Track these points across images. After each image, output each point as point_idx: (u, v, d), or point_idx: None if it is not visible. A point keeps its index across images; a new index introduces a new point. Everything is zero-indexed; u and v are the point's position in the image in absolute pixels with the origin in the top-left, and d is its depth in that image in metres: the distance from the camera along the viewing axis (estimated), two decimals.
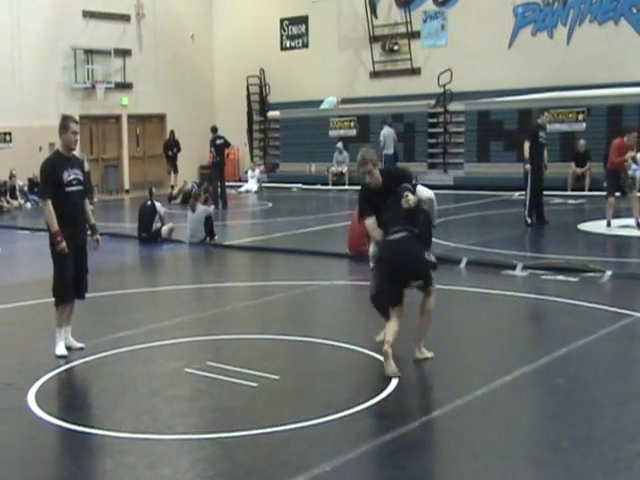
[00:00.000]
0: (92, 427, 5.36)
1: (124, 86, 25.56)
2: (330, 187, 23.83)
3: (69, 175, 6.97)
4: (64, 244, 6.82)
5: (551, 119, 21.08)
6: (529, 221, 14.10)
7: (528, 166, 14.09)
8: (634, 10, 20.92)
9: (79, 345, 7.11)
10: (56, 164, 6.98)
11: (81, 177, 7.13)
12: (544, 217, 14.40)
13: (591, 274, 9.80)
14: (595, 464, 4.65)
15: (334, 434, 5.24)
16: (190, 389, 6.21)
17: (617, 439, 5.01)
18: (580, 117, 20.86)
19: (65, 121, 7.08)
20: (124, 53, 25.52)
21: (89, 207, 7.37)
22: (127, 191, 25.66)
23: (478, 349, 7.39)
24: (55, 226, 6.84)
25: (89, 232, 7.29)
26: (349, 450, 4.86)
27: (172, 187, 22.81)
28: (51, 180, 6.92)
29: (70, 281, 7.01)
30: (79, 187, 7.06)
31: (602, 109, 20.63)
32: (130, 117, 25.97)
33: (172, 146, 24.13)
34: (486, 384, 5.99)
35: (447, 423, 5.36)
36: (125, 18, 25.59)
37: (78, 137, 7.24)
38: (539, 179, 14.26)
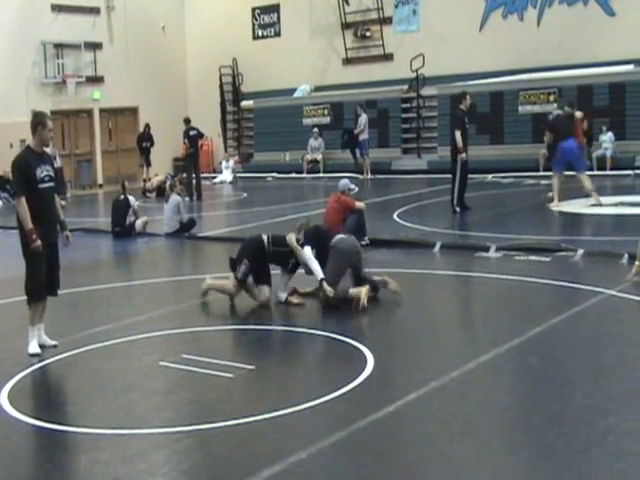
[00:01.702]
0: (66, 425, 5.34)
1: (95, 80, 25.34)
2: (305, 175, 23.80)
3: (42, 172, 6.91)
4: (39, 242, 6.75)
5: (523, 101, 21.33)
6: (458, 210, 13.83)
7: (464, 155, 13.92)
8: None
9: (52, 342, 7.05)
10: (29, 160, 6.90)
11: (52, 173, 7.07)
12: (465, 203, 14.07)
13: (563, 253, 9.88)
14: (568, 441, 4.70)
15: (310, 422, 5.25)
16: (165, 382, 6.19)
17: (590, 416, 5.06)
18: (551, 98, 20.96)
19: (42, 118, 7.00)
20: (94, 46, 25.29)
21: (59, 203, 7.31)
22: (100, 186, 25.49)
23: (453, 331, 7.44)
24: (29, 224, 6.75)
25: (59, 228, 7.23)
26: (325, 437, 4.87)
27: (145, 180, 22.67)
28: (25, 177, 6.84)
29: (43, 279, 6.94)
30: (51, 184, 7.01)
31: (572, 89, 20.72)
32: (102, 111, 25.78)
33: (146, 139, 23.99)
34: (461, 365, 6.03)
35: (423, 406, 5.39)
36: (95, 11, 25.35)
37: (52, 135, 7.18)
38: (468, 166, 14.11)
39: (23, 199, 6.78)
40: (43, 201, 6.88)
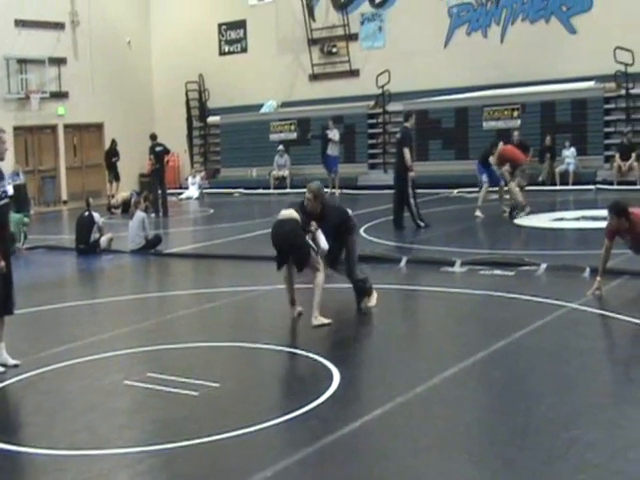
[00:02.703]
0: (27, 446, 5.24)
1: (60, 95, 25.14)
2: (272, 191, 23.80)
3: None
4: (3, 263, 6.65)
5: (487, 116, 21.59)
6: (422, 224, 13.86)
7: (413, 173, 13.97)
8: (564, 8, 21.36)
9: (14, 362, 6.91)
10: None
11: (7, 189, 6.98)
12: (403, 222, 14.11)
13: (527, 267, 9.99)
14: (532, 454, 4.73)
15: (276, 439, 5.25)
16: (129, 402, 6.14)
17: (553, 428, 5.11)
18: (515, 114, 21.24)
19: None
20: (59, 62, 25.10)
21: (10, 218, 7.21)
22: (65, 202, 25.23)
23: (418, 346, 7.48)
24: None
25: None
26: (291, 455, 4.86)
27: (112, 196, 22.51)
28: None
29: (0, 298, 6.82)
30: (7, 200, 6.91)
31: (536, 105, 21.05)
32: (67, 127, 25.55)
33: (113, 154, 23.88)
34: (426, 380, 6.05)
35: (389, 421, 5.40)
36: (59, 26, 25.17)
37: (7, 147, 7.08)
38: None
39: None
40: (1, 218, 6.80)
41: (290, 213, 8.05)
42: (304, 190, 8.41)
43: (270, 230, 8.17)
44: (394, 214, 14.23)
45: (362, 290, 8.49)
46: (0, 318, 6.90)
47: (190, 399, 5.95)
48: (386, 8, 24.03)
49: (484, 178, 15.53)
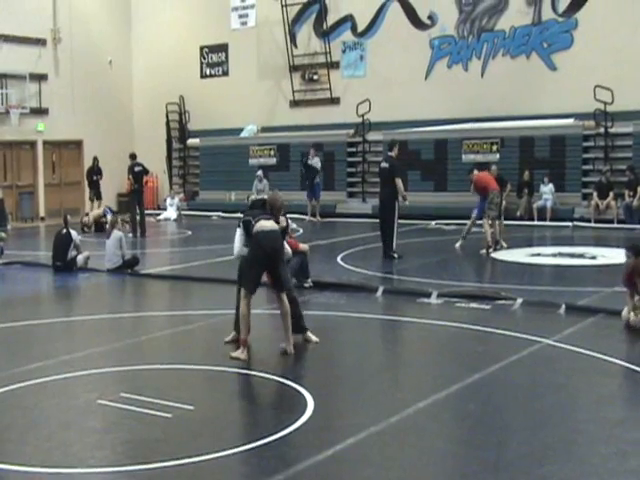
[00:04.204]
0: None
1: (40, 111, 25.07)
2: None
3: None
4: None
5: (466, 149, 21.80)
6: (396, 256, 13.86)
7: (408, 202, 14.07)
8: (545, 45, 21.69)
9: None
10: None
11: None
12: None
13: (503, 302, 10.06)
14: None
15: (248, 465, 5.23)
16: (102, 421, 6.09)
17: (525, 463, 5.13)
18: (494, 148, 21.45)
19: None
20: (40, 78, 25.06)
21: None
22: (42, 219, 25.08)
23: (392, 376, 7.49)
24: None
25: None
26: None
27: (85, 215, 22.37)
28: None
29: None
30: None
31: (515, 140, 21.26)
32: (46, 143, 25.45)
33: (95, 172, 23.81)
34: (400, 411, 6.07)
35: (362, 450, 5.40)
36: (41, 42, 25.17)
37: None
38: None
39: None
40: None
41: (272, 225, 7.86)
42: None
43: (255, 240, 7.76)
44: (384, 244, 14.18)
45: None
46: None
47: (163, 421, 5.92)
48: (368, 37, 24.27)
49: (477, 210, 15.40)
